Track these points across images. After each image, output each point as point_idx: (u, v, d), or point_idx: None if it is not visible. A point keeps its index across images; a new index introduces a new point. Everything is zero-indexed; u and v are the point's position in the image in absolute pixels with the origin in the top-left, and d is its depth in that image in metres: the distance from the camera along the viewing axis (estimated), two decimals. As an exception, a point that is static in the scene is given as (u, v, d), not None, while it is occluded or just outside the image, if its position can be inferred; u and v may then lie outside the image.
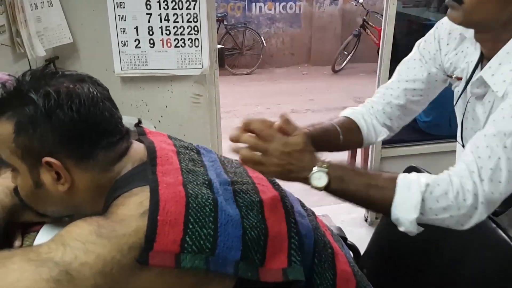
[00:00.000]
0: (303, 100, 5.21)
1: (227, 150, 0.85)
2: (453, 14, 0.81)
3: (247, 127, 0.81)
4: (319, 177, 0.79)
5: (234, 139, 0.81)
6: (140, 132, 0.90)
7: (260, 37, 6.41)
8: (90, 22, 1.98)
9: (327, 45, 6.70)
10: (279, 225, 0.78)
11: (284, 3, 6.57)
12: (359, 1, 6.28)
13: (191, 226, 0.68)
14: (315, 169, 0.79)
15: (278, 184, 0.90)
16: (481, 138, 0.76)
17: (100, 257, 0.67)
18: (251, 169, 0.90)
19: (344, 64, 6.44)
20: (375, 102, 1.14)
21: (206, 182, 0.77)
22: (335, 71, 6.38)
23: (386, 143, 2.35)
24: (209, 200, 0.72)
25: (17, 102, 0.72)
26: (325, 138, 1.02)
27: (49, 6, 1.87)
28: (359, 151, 2.99)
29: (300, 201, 0.96)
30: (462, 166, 0.77)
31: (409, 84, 1.09)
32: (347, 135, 1.06)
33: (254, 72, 6.44)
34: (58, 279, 0.65)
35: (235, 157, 0.83)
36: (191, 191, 0.72)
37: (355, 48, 6.31)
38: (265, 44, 6.47)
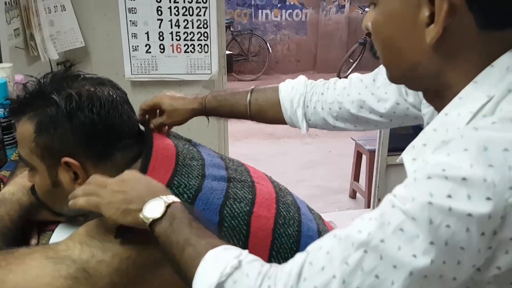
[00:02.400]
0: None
1: (234, 154, 0.86)
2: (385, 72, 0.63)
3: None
4: (156, 206, 0.64)
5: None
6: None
7: (266, 43, 6.45)
8: (102, 26, 2.01)
9: (332, 53, 6.73)
10: (267, 221, 0.78)
11: (290, 11, 6.61)
12: (365, 9, 6.31)
13: None
14: (157, 197, 0.65)
15: (279, 186, 0.91)
16: (331, 236, 0.53)
17: (116, 255, 0.69)
18: (253, 169, 0.92)
19: (349, 71, 6.45)
20: (334, 95, 0.94)
21: (200, 176, 0.78)
22: (340, 79, 6.40)
23: (392, 150, 2.36)
24: (190, 189, 0.74)
25: (39, 102, 0.74)
26: (225, 109, 0.99)
27: (62, 10, 1.91)
28: (363, 158, 3.01)
29: (306, 204, 0.98)
30: (294, 262, 0.53)
31: (372, 99, 0.87)
32: (259, 109, 0.98)
33: (259, 78, 6.47)
34: (75, 276, 0.67)
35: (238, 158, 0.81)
36: (175, 182, 0.75)
37: (360, 56, 6.33)
38: (271, 51, 6.50)
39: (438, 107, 0.58)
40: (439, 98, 0.57)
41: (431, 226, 0.46)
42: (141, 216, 0.64)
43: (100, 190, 0.69)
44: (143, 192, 0.67)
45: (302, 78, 1.00)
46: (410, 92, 0.82)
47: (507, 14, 0.50)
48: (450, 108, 0.54)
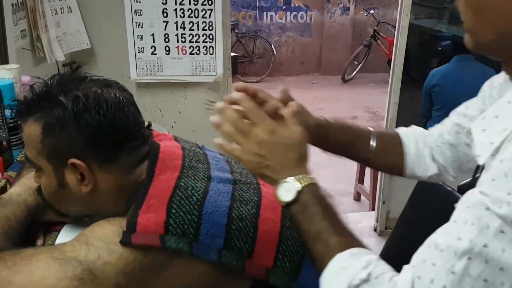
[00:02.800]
0: (313, 109, 5.08)
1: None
2: (465, 38, 0.61)
3: (238, 97, 0.70)
4: (288, 190, 0.65)
5: (221, 109, 0.70)
6: (150, 135, 0.92)
7: (271, 45, 6.45)
8: (108, 28, 2.02)
9: (337, 55, 6.73)
10: (273, 224, 0.78)
11: (295, 13, 6.61)
12: (370, 11, 6.31)
13: (174, 211, 0.71)
14: (290, 178, 0.65)
15: None
16: (432, 247, 0.53)
17: (122, 257, 0.69)
18: None
19: (354, 74, 6.45)
20: (435, 130, 0.90)
21: (206, 178, 0.79)
22: (345, 81, 6.40)
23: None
24: (198, 192, 0.74)
25: (46, 104, 0.75)
26: (347, 138, 0.85)
27: (68, 12, 1.92)
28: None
29: None
30: (404, 279, 0.54)
31: (462, 119, 0.85)
32: (382, 150, 0.86)
33: (264, 80, 6.47)
34: (81, 278, 0.67)
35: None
36: (182, 183, 0.75)
37: (365, 58, 6.33)
38: (275, 53, 6.51)
39: None
40: None
41: None
42: (276, 194, 0.66)
43: (242, 140, 0.67)
44: (277, 163, 0.66)
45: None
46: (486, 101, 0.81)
47: None
48: None
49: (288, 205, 0.65)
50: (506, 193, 0.47)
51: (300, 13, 6.63)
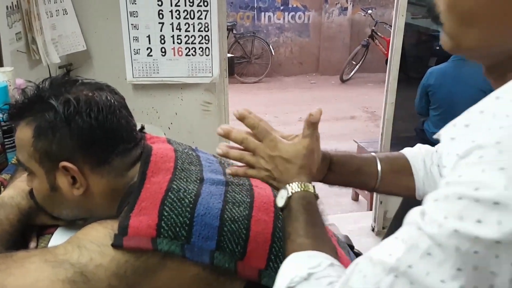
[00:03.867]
0: (311, 109, 5.20)
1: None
2: (442, 38, 0.57)
3: (240, 120, 0.73)
4: (282, 197, 0.69)
5: (224, 134, 0.73)
6: (143, 138, 0.92)
7: (269, 46, 6.46)
8: (103, 30, 2.02)
9: (335, 55, 6.73)
10: (266, 225, 0.78)
11: (293, 13, 6.61)
12: (368, 11, 6.31)
13: (166, 214, 0.71)
14: (286, 186, 0.69)
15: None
16: (368, 258, 0.53)
17: (114, 259, 0.69)
18: None
19: (352, 73, 6.45)
20: (440, 146, 0.87)
21: (198, 180, 0.79)
22: (343, 81, 6.40)
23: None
24: (190, 194, 0.74)
25: (37, 107, 0.75)
26: (352, 167, 0.83)
27: (64, 14, 1.92)
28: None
29: None
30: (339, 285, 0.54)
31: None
32: (390, 173, 0.84)
33: (262, 81, 6.47)
34: (74, 280, 0.67)
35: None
36: (174, 186, 0.75)
37: (363, 58, 6.33)
38: (273, 53, 6.51)
39: (498, 86, 0.51)
40: (501, 78, 0.51)
41: (458, 253, 0.44)
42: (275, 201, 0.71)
43: (252, 159, 0.73)
44: (280, 175, 0.71)
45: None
46: None
47: None
48: (504, 91, 0.49)
49: (282, 210, 0.70)
50: (443, 216, 0.46)
51: (298, 13, 6.63)
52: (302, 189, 0.68)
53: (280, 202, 0.69)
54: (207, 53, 2.00)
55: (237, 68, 6.26)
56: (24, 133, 0.75)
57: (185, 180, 0.78)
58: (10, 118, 0.83)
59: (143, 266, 0.70)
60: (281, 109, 5.19)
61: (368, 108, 5.34)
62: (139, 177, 0.76)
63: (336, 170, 0.83)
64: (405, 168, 0.86)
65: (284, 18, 6.63)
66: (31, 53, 1.70)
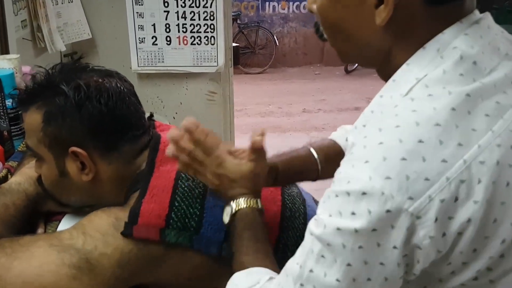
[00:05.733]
0: (315, 100, 5.21)
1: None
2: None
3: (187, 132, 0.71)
4: (227, 214, 0.70)
5: (175, 140, 0.71)
6: (151, 126, 0.92)
7: (273, 36, 6.42)
8: (108, 18, 2.01)
9: (340, 46, 6.69)
10: (274, 216, 0.79)
11: (297, 3, 6.57)
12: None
13: (177, 204, 0.72)
14: (231, 203, 0.70)
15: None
16: (284, 269, 0.55)
17: (118, 248, 0.70)
18: None
19: (356, 65, 6.42)
20: None
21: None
22: (347, 72, 6.37)
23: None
24: (200, 184, 0.75)
25: (48, 92, 0.75)
26: (296, 169, 0.85)
27: (69, 2, 1.91)
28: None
29: (312, 196, 0.97)
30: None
31: None
32: (328, 165, 0.84)
33: (266, 71, 6.45)
34: (79, 266, 0.68)
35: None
36: (183, 175, 0.75)
37: (368, 49, 6.30)
38: (277, 44, 6.48)
39: None
40: (387, 80, 0.56)
41: (345, 250, 0.47)
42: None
43: (199, 168, 0.71)
44: (225, 191, 0.71)
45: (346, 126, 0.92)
46: None
47: None
48: (384, 90, 0.54)
49: (227, 226, 0.70)
50: (327, 215, 0.48)
51: (303, 3, 6.58)
52: (247, 205, 0.69)
53: (226, 219, 0.70)
54: (212, 42, 1.99)
55: (241, 59, 6.23)
56: (34, 118, 0.76)
57: None
58: (20, 104, 0.83)
59: (147, 255, 0.71)
60: (285, 100, 5.18)
61: (372, 99, 5.32)
62: (148, 164, 0.77)
63: (281, 179, 0.82)
64: (339, 155, 0.88)
65: (288, 8, 6.58)
66: (36, 41, 1.70)
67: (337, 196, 0.48)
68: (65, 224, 0.87)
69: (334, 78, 6.30)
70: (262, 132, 0.72)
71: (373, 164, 0.45)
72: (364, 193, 0.45)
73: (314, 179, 0.85)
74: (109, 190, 0.80)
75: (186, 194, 0.73)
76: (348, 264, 0.47)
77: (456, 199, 0.45)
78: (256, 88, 5.75)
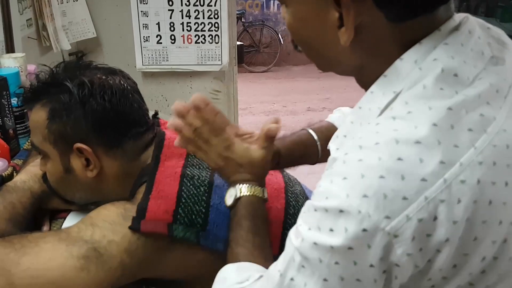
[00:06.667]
0: (320, 99, 5.20)
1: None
2: None
3: (196, 111, 0.69)
4: (231, 196, 0.69)
5: (179, 112, 0.69)
6: (156, 124, 0.93)
7: (278, 34, 6.41)
8: (113, 17, 2.02)
9: (344, 44, 6.67)
10: (278, 213, 0.79)
11: (302, 1, 6.55)
12: None
13: (183, 200, 0.72)
14: (236, 186, 0.69)
15: (288, 176, 0.91)
16: (267, 272, 0.55)
17: (126, 236, 0.70)
18: None
19: (361, 63, 6.40)
20: None
21: (209, 168, 0.79)
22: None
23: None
24: (205, 182, 0.75)
25: (52, 90, 0.75)
26: (298, 154, 0.84)
27: (74, 1, 1.92)
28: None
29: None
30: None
31: None
32: (326, 142, 0.88)
33: (270, 70, 6.44)
34: (87, 256, 0.69)
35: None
36: (188, 172, 0.76)
37: (373, 48, 6.27)
38: (282, 42, 6.46)
39: None
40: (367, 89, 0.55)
41: (321, 264, 0.46)
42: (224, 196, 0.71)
43: (204, 146, 0.70)
44: (230, 174, 0.70)
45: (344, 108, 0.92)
46: None
47: (414, 4, 0.46)
48: (363, 102, 0.53)
49: (229, 208, 0.70)
50: (307, 228, 0.48)
51: (307, 2, 6.56)
52: (251, 193, 0.68)
53: (229, 201, 0.69)
54: (216, 41, 1.99)
55: (246, 57, 6.22)
56: (38, 115, 0.76)
57: (197, 166, 0.78)
58: (25, 102, 0.84)
59: (154, 244, 0.72)
60: (290, 99, 5.17)
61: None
62: (153, 160, 0.77)
63: (282, 163, 0.82)
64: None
65: (293, 7, 6.57)
66: (41, 40, 1.71)
67: (315, 210, 0.47)
68: (70, 221, 0.88)
69: (338, 76, 6.10)
70: (277, 120, 0.71)
71: (351, 182, 0.44)
72: (341, 211, 0.44)
73: (313, 162, 0.85)
74: (114, 187, 0.81)
75: (192, 192, 0.73)
76: (325, 279, 0.47)
77: (435, 218, 0.43)
78: (260, 87, 5.75)
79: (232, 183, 0.70)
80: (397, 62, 0.49)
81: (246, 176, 0.69)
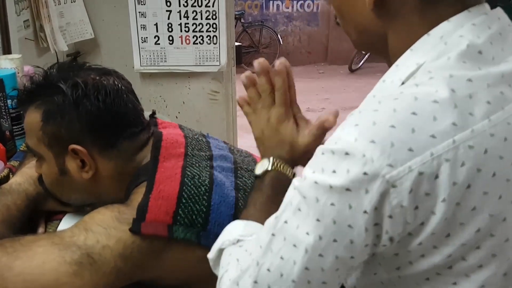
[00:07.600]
0: (319, 99, 5.20)
1: (243, 146, 0.85)
2: None
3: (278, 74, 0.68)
4: (261, 166, 0.70)
5: (263, 68, 0.69)
6: (153, 123, 0.93)
7: (277, 35, 6.41)
8: (111, 18, 2.01)
9: (344, 44, 6.65)
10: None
11: (301, 2, 6.55)
12: None
13: (184, 201, 0.72)
14: (271, 159, 0.69)
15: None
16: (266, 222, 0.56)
17: (120, 241, 0.70)
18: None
19: (361, 63, 6.40)
20: None
21: (208, 167, 0.79)
22: (352, 70, 6.35)
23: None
24: (205, 182, 0.75)
25: (46, 91, 0.75)
26: None
27: (71, 2, 1.92)
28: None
29: None
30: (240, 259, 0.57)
31: None
32: None
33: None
34: (80, 262, 0.68)
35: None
36: (188, 173, 0.75)
37: (372, 48, 6.27)
38: (281, 42, 6.46)
39: None
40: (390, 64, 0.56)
41: (317, 204, 0.47)
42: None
43: (260, 110, 0.71)
44: (269, 147, 0.71)
45: None
46: None
47: None
48: (388, 75, 0.54)
49: (256, 177, 0.71)
50: (311, 171, 0.49)
51: (307, 2, 6.56)
52: (284, 171, 0.69)
53: (259, 170, 0.69)
54: (214, 42, 1.99)
55: (245, 58, 6.22)
56: (33, 117, 0.76)
57: (197, 166, 0.78)
58: (19, 104, 0.84)
59: (150, 247, 0.71)
60: (289, 99, 5.17)
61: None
62: (151, 161, 0.77)
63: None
64: None
65: (292, 7, 6.57)
66: (39, 41, 1.71)
67: (323, 154, 0.48)
68: (65, 223, 0.88)
69: (338, 76, 6.28)
70: (336, 113, 0.71)
71: (362, 127, 0.46)
72: (347, 153, 0.45)
73: None
74: (109, 188, 0.80)
75: (192, 192, 0.73)
76: (318, 220, 0.47)
77: (437, 176, 0.44)
78: (260, 87, 5.74)
79: (267, 156, 0.70)
80: (425, 37, 0.51)
81: (283, 155, 0.69)
